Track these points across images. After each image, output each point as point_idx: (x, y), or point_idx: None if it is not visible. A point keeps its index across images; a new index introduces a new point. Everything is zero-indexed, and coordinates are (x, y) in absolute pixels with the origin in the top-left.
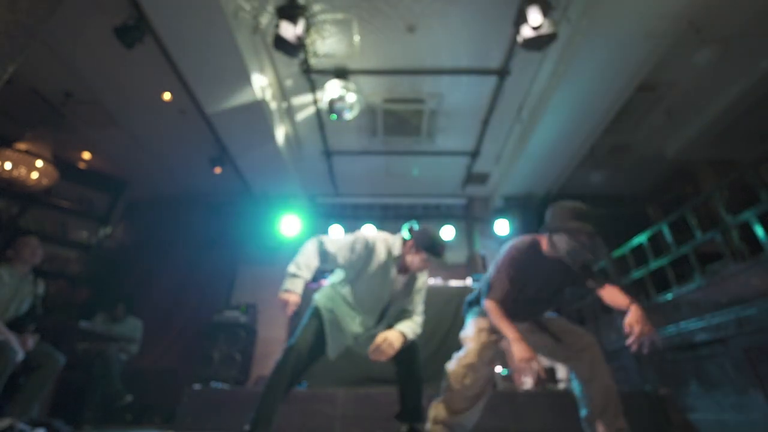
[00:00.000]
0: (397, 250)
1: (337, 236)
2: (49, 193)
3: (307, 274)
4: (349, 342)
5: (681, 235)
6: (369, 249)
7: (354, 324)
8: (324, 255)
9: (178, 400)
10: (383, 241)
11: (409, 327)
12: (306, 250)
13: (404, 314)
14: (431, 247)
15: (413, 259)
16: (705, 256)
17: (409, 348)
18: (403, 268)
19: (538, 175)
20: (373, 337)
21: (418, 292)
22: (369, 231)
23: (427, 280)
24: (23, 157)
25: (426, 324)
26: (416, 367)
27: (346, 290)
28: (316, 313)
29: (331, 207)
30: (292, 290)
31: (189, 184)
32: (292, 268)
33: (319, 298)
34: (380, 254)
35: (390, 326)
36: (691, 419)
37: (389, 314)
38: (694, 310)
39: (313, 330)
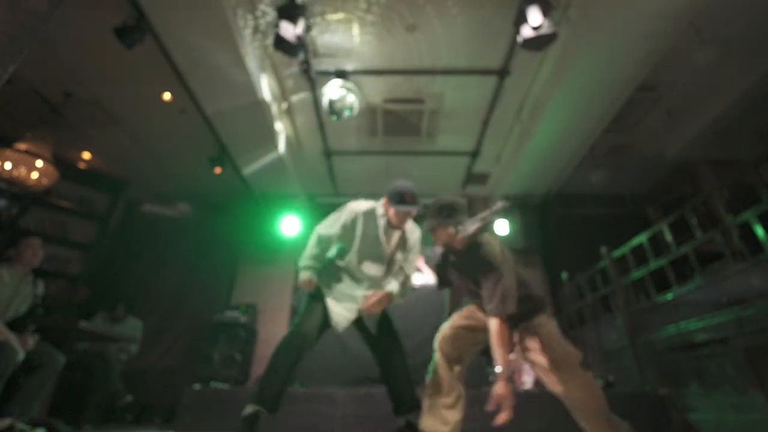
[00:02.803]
0: (381, 209)
1: (327, 219)
2: (49, 193)
3: (312, 263)
4: (355, 311)
5: (681, 235)
6: (355, 217)
7: (360, 290)
8: (322, 241)
9: (178, 400)
10: (366, 205)
11: (396, 287)
12: (309, 242)
13: (399, 273)
14: (394, 196)
15: (392, 216)
16: (705, 256)
17: (391, 344)
18: (390, 225)
19: (538, 175)
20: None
21: (411, 250)
22: (353, 202)
23: (418, 238)
24: (23, 157)
25: (424, 325)
26: (400, 361)
27: (344, 261)
28: (317, 293)
29: (331, 207)
30: (304, 277)
31: (189, 184)
32: (300, 262)
33: (318, 278)
34: (365, 217)
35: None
36: (691, 419)
37: (394, 267)
38: (694, 310)
39: (315, 308)
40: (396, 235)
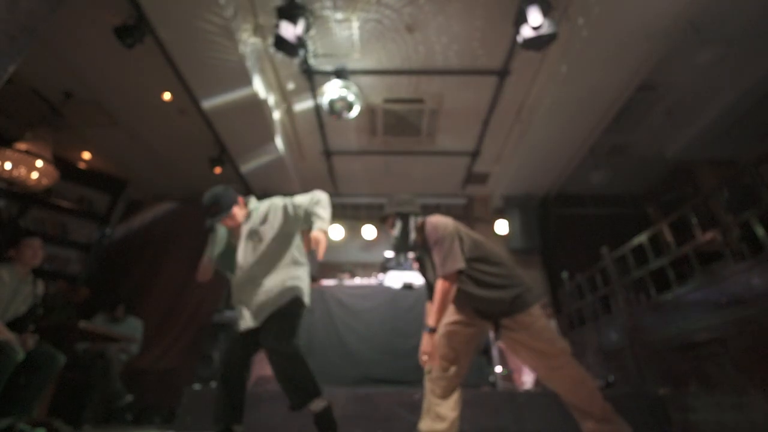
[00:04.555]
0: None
1: None
2: (49, 193)
3: None
4: (246, 309)
5: (681, 235)
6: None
7: (245, 292)
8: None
9: (178, 400)
10: None
11: (318, 224)
12: None
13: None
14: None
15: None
16: (705, 256)
17: (268, 343)
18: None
19: (538, 175)
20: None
21: (285, 216)
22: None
23: (266, 212)
24: (23, 157)
25: (423, 325)
26: (278, 363)
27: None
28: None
29: (331, 207)
30: None
31: (189, 184)
32: None
33: None
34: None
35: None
36: (691, 419)
37: (254, 266)
38: (694, 310)
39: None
40: (245, 236)
